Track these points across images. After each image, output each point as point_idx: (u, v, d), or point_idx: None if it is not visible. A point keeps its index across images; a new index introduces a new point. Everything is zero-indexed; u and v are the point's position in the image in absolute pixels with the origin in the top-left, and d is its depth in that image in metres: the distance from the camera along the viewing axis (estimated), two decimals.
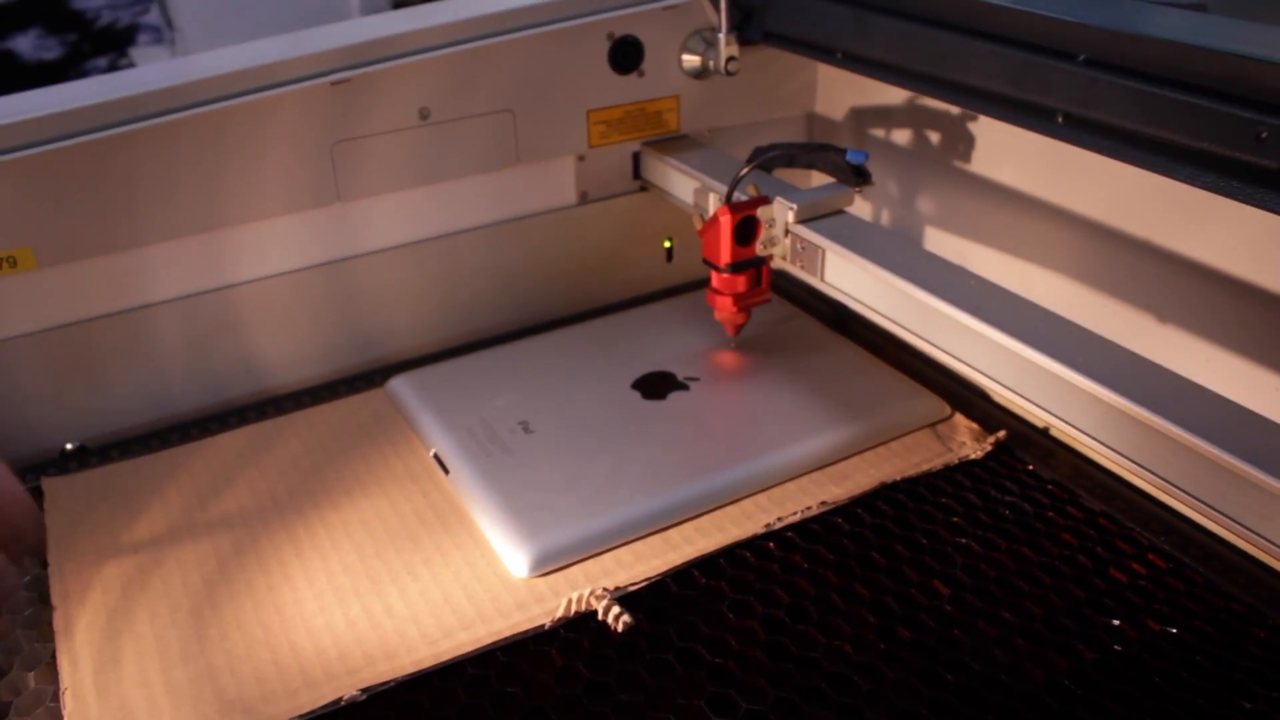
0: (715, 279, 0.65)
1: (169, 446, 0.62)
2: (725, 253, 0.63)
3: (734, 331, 0.68)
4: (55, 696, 0.46)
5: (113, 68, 2.49)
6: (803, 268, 0.62)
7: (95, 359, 0.64)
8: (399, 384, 0.66)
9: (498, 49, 0.68)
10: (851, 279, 0.58)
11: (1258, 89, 0.45)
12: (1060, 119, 0.54)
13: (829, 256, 0.59)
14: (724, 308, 0.66)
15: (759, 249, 0.63)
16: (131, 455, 0.62)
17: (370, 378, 0.69)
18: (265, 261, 0.67)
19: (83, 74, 2.47)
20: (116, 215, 0.60)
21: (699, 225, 0.64)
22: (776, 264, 0.64)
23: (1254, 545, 0.42)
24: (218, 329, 0.66)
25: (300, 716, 0.43)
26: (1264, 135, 0.45)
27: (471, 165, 0.70)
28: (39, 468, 0.62)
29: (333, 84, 0.63)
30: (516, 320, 0.77)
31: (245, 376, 0.68)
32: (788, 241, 0.62)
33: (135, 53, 2.60)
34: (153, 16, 2.58)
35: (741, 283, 0.65)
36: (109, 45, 2.61)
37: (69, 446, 0.65)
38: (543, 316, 0.77)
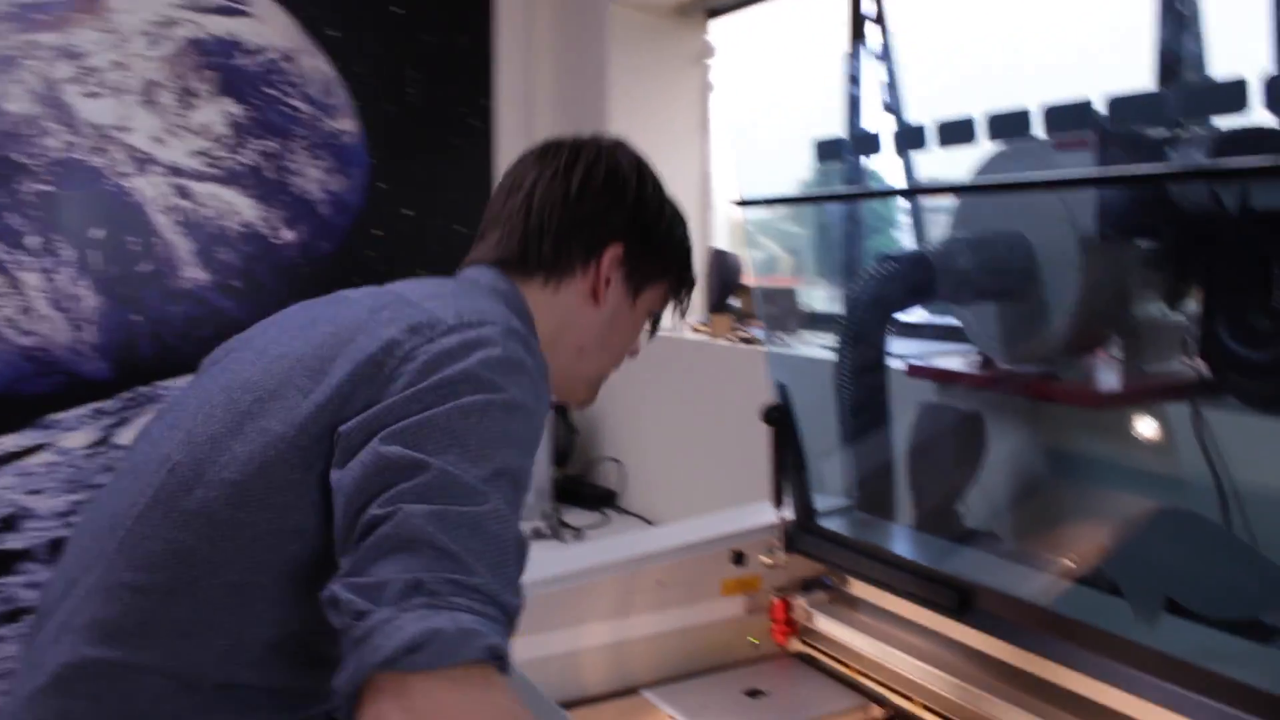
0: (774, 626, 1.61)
1: None
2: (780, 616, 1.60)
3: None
4: None
5: None
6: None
7: (529, 673, 1.58)
8: (649, 693, 1.60)
9: (691, 560, 1.67)
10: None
11: None
12: None
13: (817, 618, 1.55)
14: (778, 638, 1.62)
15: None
16: None
17: (634, 691, 1.62)
18: (597, 639, 1.63)
19: None
20: (551, 618, 1.57)
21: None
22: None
23: None
24: (571, 667, 1.61)
25: None
26: None
27: (677, 603, 1.68)
28: None
29: (625, 575, 1.62)
30: (689, 669, 1.70)
31: (575, 686, 1.62)
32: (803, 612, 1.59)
33: None
34: None
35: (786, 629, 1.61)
36: None
37: None
38: (704, 667, 1.71)
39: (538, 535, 3.02)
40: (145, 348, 3.27)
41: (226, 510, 0.92)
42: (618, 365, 1.23)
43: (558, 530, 3.06)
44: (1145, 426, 1.65)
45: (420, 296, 1.01)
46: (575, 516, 3.19)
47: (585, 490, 3.38)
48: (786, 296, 2.79)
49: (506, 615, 0.84)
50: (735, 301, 3.19)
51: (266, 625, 0.93)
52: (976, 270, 1.67)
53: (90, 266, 3.28)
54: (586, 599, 1.60)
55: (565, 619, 1.59)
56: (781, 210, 3.42)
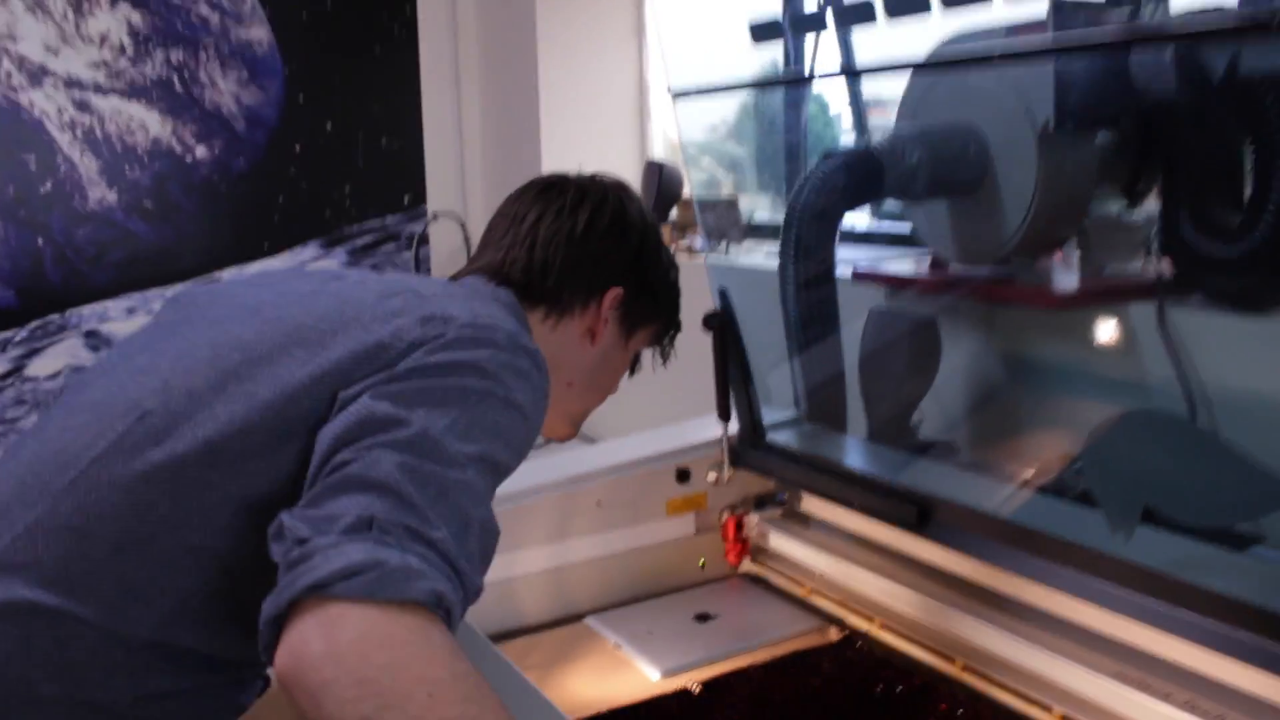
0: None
1: None
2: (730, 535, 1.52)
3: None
4: None
5: None
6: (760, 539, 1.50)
7: None
8: (592, 619, 1.51)
9: (632, 478, 1.58)
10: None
11: None
12: None
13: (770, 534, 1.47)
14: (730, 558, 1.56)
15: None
16: None
17: (578, 618, 1.54)
18: (532, 565, 1.54)
19: None
20: None
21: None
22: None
23: None
24: (506, 595, 1.52)
25: None
26: None
27: (619, 524, 1.59)
28: None
29: (563, 496, 1.53)
30: (635, 594, 1.62)
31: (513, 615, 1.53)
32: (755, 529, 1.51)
33: None
34: None
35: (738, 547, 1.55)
36: None
37: None
38: (650, 592, 1.63)
39: None
40: (53, 274, 3.08)
41: (196, 469, 0.88)
42: (601, 402, 1.25)
43: None
44: (1107, 329, 1.58)
45: (433, 292, 1.00)
46: None
47: None
48: (728, 207, 2.68)
49: (462, 584, 0.77)
50: (674, 216, 3.07)
51: (216, 592, 0.88)
52: (927, 165, 1.57)
53: None
54: (521, 523, 1.50)
55: (499, 544, 1.49)
56: (721, 130, 3.30)
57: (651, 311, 1.22)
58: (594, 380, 1.20)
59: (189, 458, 0.87)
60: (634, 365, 1.27)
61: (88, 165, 3.07)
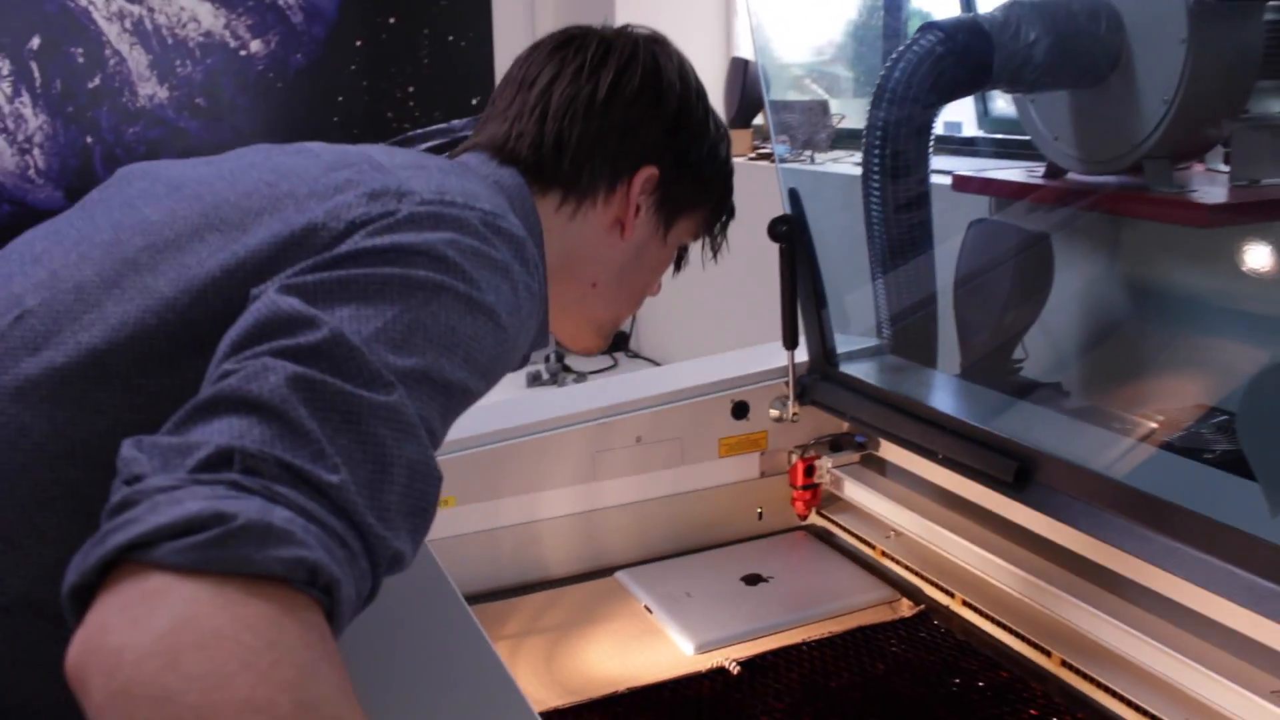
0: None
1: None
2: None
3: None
4: None
5: None
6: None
7: (472, 550, 1.29)
8: (623, 574, 1.30)
9: (678, 409, 1.36)
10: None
11: None
12: None
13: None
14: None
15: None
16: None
17: (607, 572, 1.34)
18: (558, 508, 1.33)
19: None
20: (498, 482, 1.28)
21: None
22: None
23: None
24: (530, 541, 1.32)
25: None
26: None
27: (659, 465, 1.37)
28: None
29: (598, 426, 1.31)
30: (677, 547, 1.41)
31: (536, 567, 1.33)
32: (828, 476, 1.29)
33: None
34: None
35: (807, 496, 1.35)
36: None
37: None
38: (695, 545, 1.41)
39: (535, 380, 2.72)
40: (103, 173, 2.93)
41: (78, 385, 0.68)
42: (636, 308, 1.03)
43: (558, 375, 2.76)
44: (1260, 254, 1.29)
45: (395, 164, 0.78)
46: (581, 360, 2.88)
47: None
48: (815, 108, 2.40)
49: (369, 550, 0.57)
50: (760, 120, 2.79)
51: None
52: (1047, 45, 1.29)
53: (31, 82, 2.92)
54: (548, 458, 1.29)
55: (521, 483, 1.29)
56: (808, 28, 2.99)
57: (695, 195, 0.98)
58: (625, 281, 0.98)
59: (69, 371, 0.68)
60: (679, 262, 1.04)
61: (137, 59, 2.90)
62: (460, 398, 0.68)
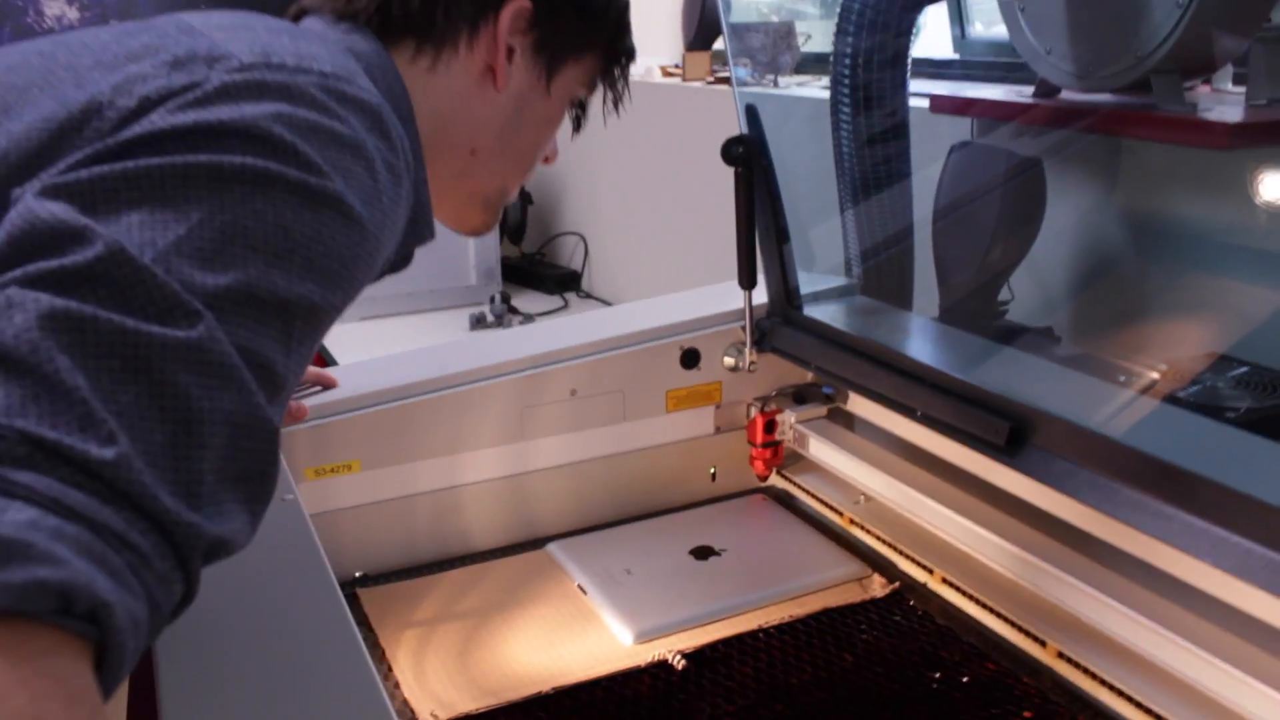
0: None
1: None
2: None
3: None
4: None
5: None
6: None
7: (383, 520, 1.13)
8: (555, 547, 1.14)
9: (619, 358, 1.19)
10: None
11: None
12: None
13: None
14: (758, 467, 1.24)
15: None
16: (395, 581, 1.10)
17: (538, 544, 1.18)
18: (481, 472, 1.16)
19: None
20: (411, 443, 1.11)
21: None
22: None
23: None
24: (450, 510, 1.16)
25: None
26: None
27: (598, 421, 1.21)
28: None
29: (527, 377, 1.15)
30: (617, 515, 1.25)
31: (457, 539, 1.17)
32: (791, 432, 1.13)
33: None
34: None
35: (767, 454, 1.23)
36: None
37: (356, 574, 1.13)
38: (638, 511, 1.26)
39: (479, 323, 2.54)
40: None
41: None
42: (528, 175, 0.86)
43: (503, 318, 2.58)
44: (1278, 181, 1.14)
45: (211, 25, 0.63)
46: (530, 302, 2.70)
47: (543, 271, 2.87)
48: (780, 30, 2.21)
49: (167, 543, 0.44)
50: (721, 44, 2.60)
51: None
52: None
53: None
54: (468, 414, 1.13)
55: (438, 444, 1.12)
56: None
57: (580, 33, 0.81)
58: (509, 143, 0.81)
59: None
60: (579, 120, 0.87)
61: None
62: (307, 318, 0.53)
